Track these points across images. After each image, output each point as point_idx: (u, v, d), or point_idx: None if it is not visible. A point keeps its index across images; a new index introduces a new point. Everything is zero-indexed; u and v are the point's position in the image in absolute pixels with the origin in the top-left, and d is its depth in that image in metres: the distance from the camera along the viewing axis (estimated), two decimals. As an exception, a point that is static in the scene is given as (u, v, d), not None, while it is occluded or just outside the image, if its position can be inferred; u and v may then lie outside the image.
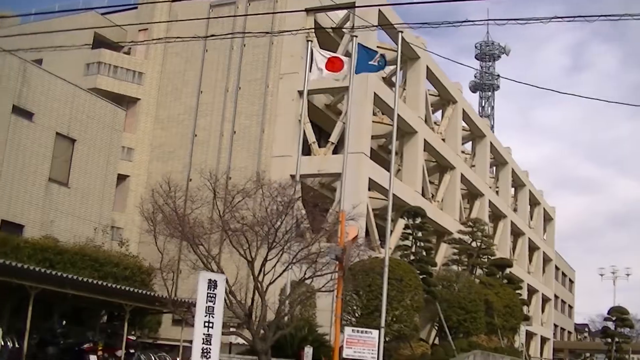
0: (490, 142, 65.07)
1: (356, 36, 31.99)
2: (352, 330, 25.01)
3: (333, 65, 32.00)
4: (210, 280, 17.80)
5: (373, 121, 44.18)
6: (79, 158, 34.87)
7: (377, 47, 44.89)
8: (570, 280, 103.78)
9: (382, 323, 27.11)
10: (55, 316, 29.10)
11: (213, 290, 17.70)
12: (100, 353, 27.35)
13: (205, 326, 17.46)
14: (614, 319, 69.78)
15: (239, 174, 40.62)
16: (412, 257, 36.81)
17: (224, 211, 20.65)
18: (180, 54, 45.14)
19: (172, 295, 21.73)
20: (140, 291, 29.15)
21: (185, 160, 42.96)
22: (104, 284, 27.45)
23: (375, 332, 24.41)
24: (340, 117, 42.05)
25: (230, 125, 42.29)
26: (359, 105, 39.68)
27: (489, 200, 63.03)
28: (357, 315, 30.04)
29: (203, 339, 17.44)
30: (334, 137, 41.14)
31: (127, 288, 28.82)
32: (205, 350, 17.45)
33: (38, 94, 33.01)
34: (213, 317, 17.59)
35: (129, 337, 30.90)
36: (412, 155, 47.23)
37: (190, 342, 33.56)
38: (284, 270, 21.13)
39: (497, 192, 68.61)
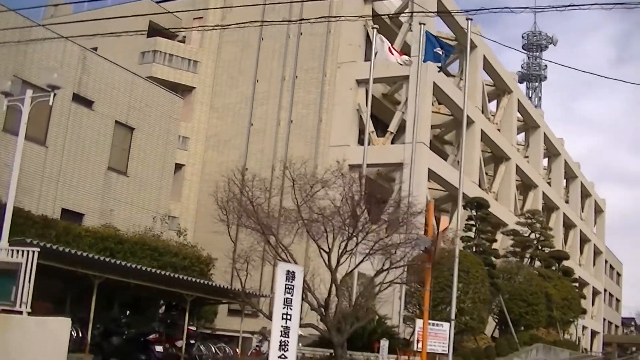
0: (544, 133, 64.00)
1: (424, 24, 31.25)
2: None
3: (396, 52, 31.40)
4: (288, 271, 17.33)
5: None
6: (137, 147, 34.58)
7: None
8: (617, 273, 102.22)
9: (453, 315, 26.48)
10: (117, 306, 28.87)
11: (291, 282, 17.25)
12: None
13: (283, 318, 17.00)
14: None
15: (295, 162, 40.27)
16: (474, 249, 36.07)
17: (302, 201, 20.04)
18: (236, 42, 44.75)
19: (243, 287, 21.13)
20: (202, 281, 28.80)
21: (241, 149, 42.61)
22: (167, 274, 27.13)
23: (446, 325, 23.86)
24: (399, 106, 41.43)
25: (287, 114, 41.84)
26: (419, 95, 39.07)
27: (542, 192, 61.99)
28: (420, 307, 29.45)
29: (281, 331, 17.00)
30: (392, 127, 40.56)
31: (190, 278, 28.51)
32: (283, 343, 17.00)
33: (98, 82, 32.72)
34: (291, 309, 17.12)
35: (190, 327, 30.56)
36: (469, 146, 46.27)
37: (251, 333, 33.61)
38: (361, 261, 20.58)
39: (549, 183, 67.49)
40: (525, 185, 60.43)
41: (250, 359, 28.50)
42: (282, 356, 16.87)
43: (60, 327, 20.00)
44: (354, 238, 20.03)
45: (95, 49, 38.56)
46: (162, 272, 27.02)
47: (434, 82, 40.45)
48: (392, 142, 40.95)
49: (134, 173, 34.36)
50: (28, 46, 29.73)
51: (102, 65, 33.13)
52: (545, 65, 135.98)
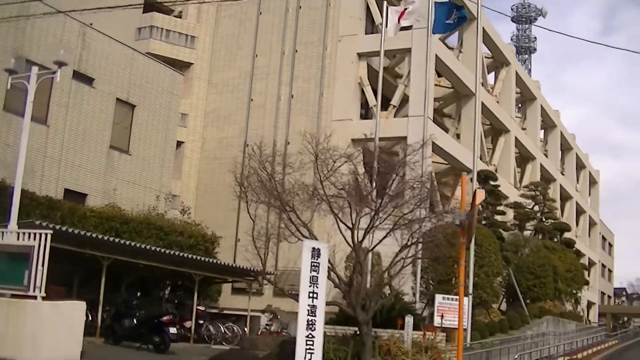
0: (541, 105, 63.57)
1: None
2: (443, 297, 24.13)
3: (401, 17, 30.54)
4: (314, 248, 16.92)
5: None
6: (139, 124, 33.96)
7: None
8: (609, 244, 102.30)
9: (470, 289, 26.13)
10: (124, 288, 28.35)
11: (317, 259, 16.84)
12: (173, 325, 26.57)
13: (310, 297, 16.61)
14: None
15: (298, 138, 39.68)
16: (483, 222, 35.66)
17: (324, 176, 19.47)
18: (234, 17, 43.96)
19: (264, 265, 20.62)
20: (211, 260, 28.53)
21: (241, 125, 41.94)
22: (178, 253, 26.73)
23: (465, 300, 23.47)
24: (402, 79, 40.85)
25: (288, 89, 41.17)
26: (421, 68, 38.50)
27: (540, 164, 61.67)
28: (433, 282, 29.09)
29: (308, 310, 16.58)
30: (395, 100, 39.96)
31: (200, 257, 28.14)
32: (310, 323, 16.60)
33: (98, 58, 32.03)
34: (317, 287, 16.75)
35: (198, 307, 30.13)
36: (469, 118, 45.73)
37: (261, 311, 33.13)
38: (385, 236, 20.04)
39: (546, 155, 67.18)
40: (523, 158, 60.05)
41: (260, 338, 28.02)
42: (310, 336, 16.43)
43: (75, 311, 19.52)
44: (378, 214, 19.48)
45: (90, 25, 37.79)
46: (173, 252, 26.65)
47: (436, 55, 39.73)
48: (394, 116, 40.36)
49: (136, 151, 33.77)
50: (27, 23, 28.97)
51: (102, 41, 32.43)
52: (535, 38, 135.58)
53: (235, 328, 30.62)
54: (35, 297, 18.48)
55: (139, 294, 27.76)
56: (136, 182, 33.44)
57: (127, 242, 24.92)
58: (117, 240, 24.53)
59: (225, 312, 33.54)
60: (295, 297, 17.11)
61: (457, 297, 23.74)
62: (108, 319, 24.70)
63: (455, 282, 28.71)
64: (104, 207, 29.84)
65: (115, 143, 32.74)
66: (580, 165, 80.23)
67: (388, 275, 20.58)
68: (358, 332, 19.61)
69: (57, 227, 21.83)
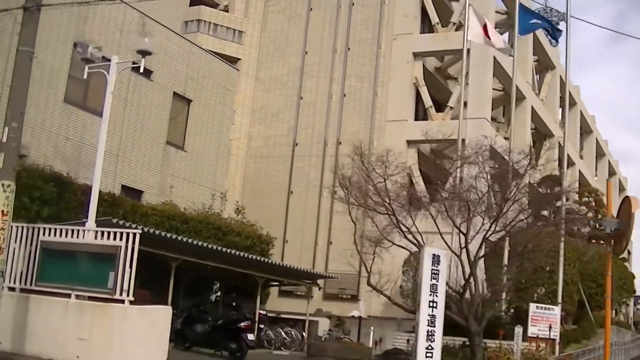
0: (580, 110, 62.33)
1: None
2: (537, 307, 23.12)
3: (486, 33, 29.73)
4: (434, 255, 16.05)
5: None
6: (194, 120, 32.81)
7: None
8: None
9: (559, 299, 25.05)
10: (182, 290, 27.23)
11: (437, 267, 16.07)
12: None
13: (430, 306, 15.79)
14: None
15: (350, 138, 38.65)
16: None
17: (439, 180, 18.38)
18: (283, 12, 42.85)
19: (369, 271, 19.58)
20: (278, 263, 27.43)
21: (290, 123, 40.83)
22: (249, 256, 25.67)
23: (557, 309, 22.60)
24: (459, 80, 39.72)
25: (340, 88, 40.02)
26: (480, 69, 37.67)
27: (579, 170, 60.42)
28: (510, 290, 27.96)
29: (428, 320, 15.74)
30: (452, 102, 38.79)
31: (268, 260, 27.13)
32: (430, 334, 15.82)
33: (157, 50, 30.76)
34: (437, 296, 15.96)
35: (260, 311, 29.01)
36: (520, 122, 44.61)
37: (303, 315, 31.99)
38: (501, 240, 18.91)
39: (581, 157, 65.69)
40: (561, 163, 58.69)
41: (325, 344, 27.00)
42: (429, 347, 15.74)
43: (161, 317, 18.47)
44: (498, 220, 18.37)
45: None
46: (244, 255, 25.61)
47: (494, 57, 38.58)
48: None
49: (191, 148, 32.63)
50: (88, 11, 27.87)
51: (160, 32, 31.23)
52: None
53: (293, 333, 29.56)
54: (122, 301, 17.40)
55: (213, 297, 26.68)
56: (191, 180, 32.32)
57: (199, 243, 23.81)
58: (190, 240, 23.38)
59: (282, 315, 32.37)
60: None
61: (549, 306, 22.78)
62: (178, 324, 23.51)
63: (533, 290, 27.62)
64: (164, 204, 28.69)
65: (171, 139, 31.59)
66: (611, 172, 78.86)
67: (504, 283, 19.54)
68: (468, 343, 18.52)
69: (150, 230, 20.74)
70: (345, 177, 20.18)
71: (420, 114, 40.65)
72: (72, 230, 18.64)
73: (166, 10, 35.74)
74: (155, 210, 27.58)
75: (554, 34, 30.14)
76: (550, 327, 22.85)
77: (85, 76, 21.25)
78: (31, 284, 18.53)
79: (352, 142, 37.98)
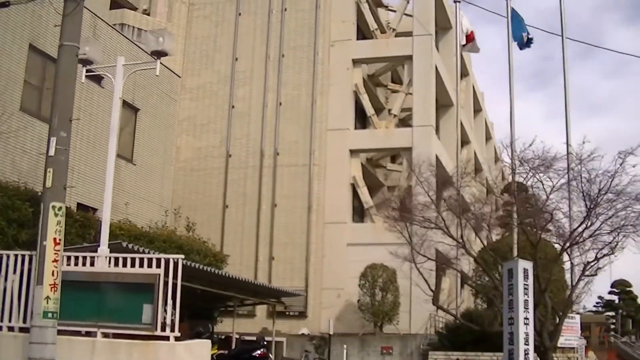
0: (485, 119, 62.73)
1: None
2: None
3: (468, 38, 29.20)
4: (525, 269, 15.11)
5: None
6: (142, 131, 30.61)
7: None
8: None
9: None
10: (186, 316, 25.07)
11: (527, 281, 15.15)
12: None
13: (525, 323, 14.80)
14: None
15: (288, 148, 37.19)
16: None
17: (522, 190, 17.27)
18: (209, 17, 40.70)
19: (436, 289, 18.20)
20: (271, 286, 25.81)
21: (222, 133, 38.74)
22: (260, 283, 24.11)
23: (577, 317, 22.24)
24: (402, 87, 38.96)
25: (275, 96, 38.27)
26: (425, 76, 36.88)
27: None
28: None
29: (525, 339, 14.76)
30: (396, 109, 37.93)
31: (255, 281, 25.44)
32: (526, 352, 14.81)
33: (106, 54, 28.36)
34: (528, 312, 14.99)
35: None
36: (447, 128, 43.99)
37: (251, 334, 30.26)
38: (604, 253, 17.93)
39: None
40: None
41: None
42: None
43: (203, 351, 16.56)
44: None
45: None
46: (245, 279, 23.93)
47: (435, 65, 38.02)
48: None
49: (140, 161, 30.36)
50: (42, 10, 25.31)
51: (110, 35, 28.86)
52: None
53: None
54: (166, 338, 15.40)
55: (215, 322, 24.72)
56: (142, 196, 30.16)
57: (225, 273, 22.07)
58: (221, 272, 21.59)
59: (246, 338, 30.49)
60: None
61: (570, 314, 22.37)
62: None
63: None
64: (126, 223, 26.39)
65: (121, 151, 29.22)
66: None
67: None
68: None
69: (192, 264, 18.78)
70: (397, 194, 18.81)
71: (359, 122, 39.56)
72: (92, 258, 16.45)
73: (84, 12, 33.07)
74: (123, 229, 25.28)
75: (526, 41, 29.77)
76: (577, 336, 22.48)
77: (82, 80, 19.07)
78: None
79: (291, 151, 37.19)
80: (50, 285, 12.90)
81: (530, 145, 18.29)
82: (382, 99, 44.50)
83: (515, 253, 22.35)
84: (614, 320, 69.04)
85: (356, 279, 33.46)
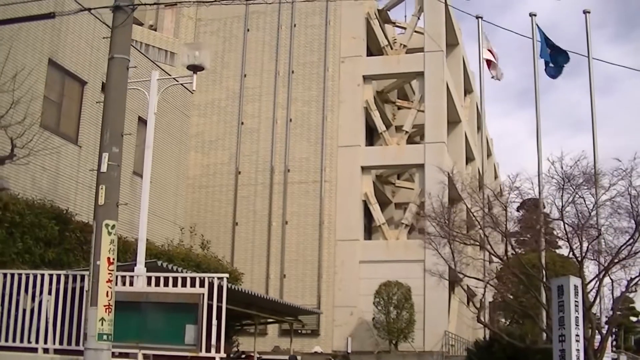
0: (486, 137, 62.61)
1: (535, 14, 28.42)
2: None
3: (488, 63, 29.14)
4: (575, 286, 14.87)
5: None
6: (156, 147, 29.86)
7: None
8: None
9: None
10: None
11: (577, 298, 14.84)
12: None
13: (576, 340, 14.54)
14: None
15: (299, 164, 36.87)
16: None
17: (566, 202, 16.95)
18: (216, 33, 40.40)
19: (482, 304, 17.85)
20: (291, 304, 25.35)
21: (231, 150, 38.43)
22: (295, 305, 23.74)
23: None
24: (414, 104, 38.70)
25: (285, 112, 38.01)
26: (436, 92, 36.67)
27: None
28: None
29: (576, 356, 14.47)
30: (407, 126, 37.66)
31: (286, 302, 25.06)
32: None
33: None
34: (579, 329, 14.76)
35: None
36: (454, 145, 43.84)
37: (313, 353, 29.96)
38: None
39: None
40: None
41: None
42: None
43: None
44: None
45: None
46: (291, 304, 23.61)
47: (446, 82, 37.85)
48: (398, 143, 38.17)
49: (154, 177, 29.75)
50: (61, 24, 24.96)
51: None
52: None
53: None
54: (212, 359, 15.00)
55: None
56: (156, 213, 29.54)
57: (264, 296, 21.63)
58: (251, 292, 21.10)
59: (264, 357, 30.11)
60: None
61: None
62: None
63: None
64: (135, 240, 26.00)
65: (137, 169, 28.76)
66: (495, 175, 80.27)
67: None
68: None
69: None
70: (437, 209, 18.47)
71: (369, 138, 39.31)
72: (131, 277, 16.04)
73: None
74: (147, 248, 24.86)
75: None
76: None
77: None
78: (76, 344, 15.43)
79: (302, 168, 36.87)
80: (104, 306, 12.47)
81: (577, 161, 17.97)
82: (389, 116, 44.26)
83: (543, 270, 21.93)
84: None
85: (368, 297, 33.18)
